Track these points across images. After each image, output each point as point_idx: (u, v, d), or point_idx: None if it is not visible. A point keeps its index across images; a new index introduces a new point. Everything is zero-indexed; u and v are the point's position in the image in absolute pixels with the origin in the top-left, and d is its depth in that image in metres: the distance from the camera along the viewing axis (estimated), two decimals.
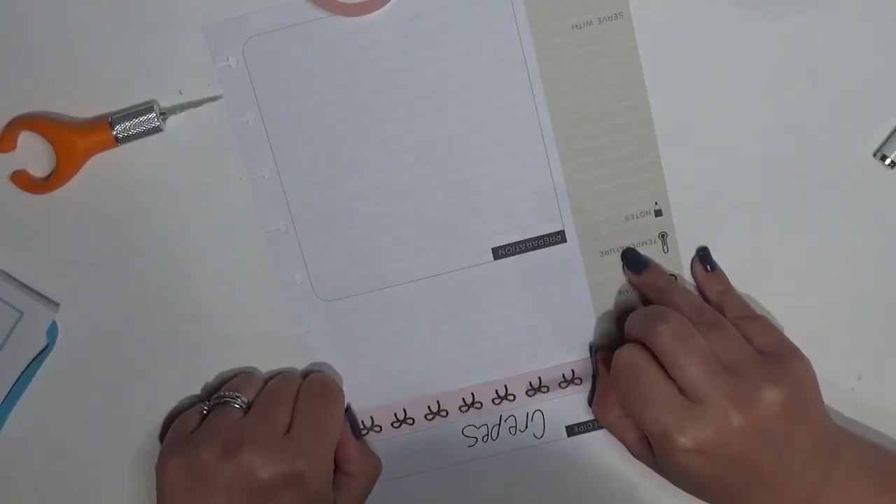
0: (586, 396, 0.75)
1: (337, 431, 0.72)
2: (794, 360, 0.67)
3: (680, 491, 0.72)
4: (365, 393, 0.75)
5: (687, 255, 0.73)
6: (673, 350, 0.65)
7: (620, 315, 0.74)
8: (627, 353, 0.67)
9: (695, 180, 0.72)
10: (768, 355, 0.67)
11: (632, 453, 0.72)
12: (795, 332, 0.70)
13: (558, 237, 0.73)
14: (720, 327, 0.68)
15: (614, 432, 0.72)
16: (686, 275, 0.73)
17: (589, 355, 0.74)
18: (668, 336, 0.66)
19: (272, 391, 0.72)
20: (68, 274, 0.74)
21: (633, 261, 0.73)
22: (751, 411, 0.64)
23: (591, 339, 0.74)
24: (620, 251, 0.73)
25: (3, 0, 0.71)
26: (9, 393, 0.73)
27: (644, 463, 0.71)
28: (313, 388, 0.72)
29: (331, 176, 0.72)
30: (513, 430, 0.76)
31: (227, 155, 0.72)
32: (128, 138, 0.70)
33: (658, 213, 0.73)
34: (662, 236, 0.73)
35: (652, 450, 0.69)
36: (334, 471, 0.72)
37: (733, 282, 0.73)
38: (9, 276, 0.73)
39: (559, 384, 0.75)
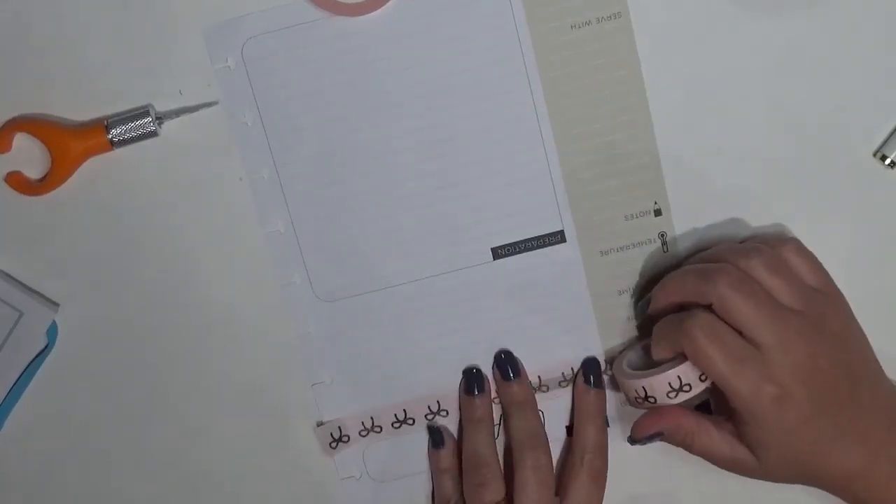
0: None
1: None
2: (839, 298, 0.69)
3: (680, 490, 0.73)
4: (365, 394, 0.75)
5: (686, 254, 0.73)
6: (734, 301, 0.65)
7: (619, 314, 0.74)
8: (703, 320, 0.66)
9: (694, 180, 0.72)
10: (820, 291, 0.68)
11: (724, 464, 0.70)
12: None
13: (558, 237, 0.73)
14: (776, 266, 0.67)
15: (711, 451, 0.70)
16: None
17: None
18: (728, 288, 0.65)
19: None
20: (68, 274, 0.74)
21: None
22: (819, 342, 0.65)
23: (592, 346, 0.74)
24: (620, 251, 0.73)
25: (0, 1, 0.71)
26: (9, 393, 0.73)
27: (740, 469, 0.70)
28: (530, 446, 0.72)
29: (330, 176, 0.72)
30: None
31: (226, 156, 0.72)
32: (124, 142, 0.70)
33: (657, 212, 0.73)
34: (662, 236, 0.73)
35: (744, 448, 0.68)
36: None
37: None
38: (9, 276, 0.73)
39: (559, 384, 0.75)
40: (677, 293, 0.68)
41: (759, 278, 0.66)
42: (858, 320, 0.69)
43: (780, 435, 0.66)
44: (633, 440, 0.71)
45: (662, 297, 0.69)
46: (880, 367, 0.69)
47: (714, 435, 0.69)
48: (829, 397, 0.66)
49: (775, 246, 0.68)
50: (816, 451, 0.66)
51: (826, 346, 0.66)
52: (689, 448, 0.70)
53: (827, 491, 0.69)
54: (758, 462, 0.68)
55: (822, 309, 0.67)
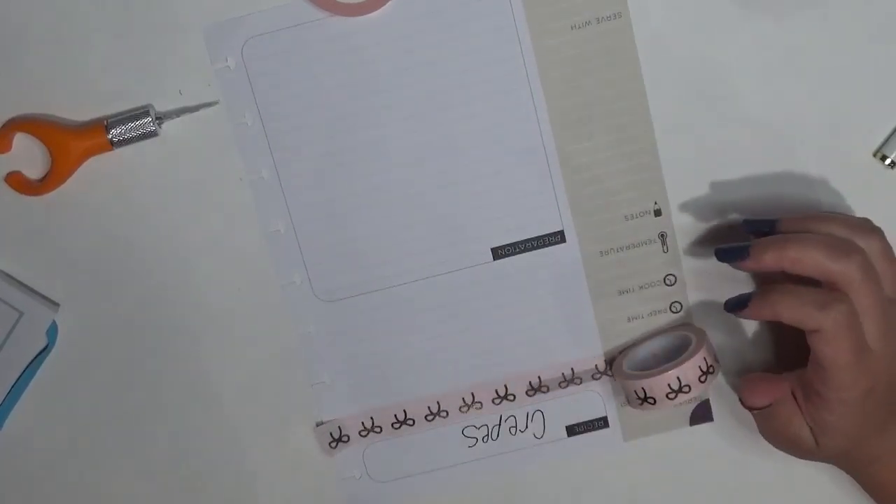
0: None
1: None
2: None
3: (681, 490, 0.72)
4: (365, 394, 0.75)
5: (686, 254, 0.73)
6: (861, 288, 0.64)
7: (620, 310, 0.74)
8: (849, 309, 0.64)
9: (694, 180, 0.72)
10: None
11: (782, 439, 0.69)
12: (794, 332, 0.70)
13: (558, 237, 0.73)
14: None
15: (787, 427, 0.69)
16: (686, 275, 0.73)
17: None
18: (859, 272, 0.64)
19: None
20: (68, 274, 0.74)
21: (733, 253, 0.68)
22: None
23: (592, 346, 0.74)
24: (620, 251, 0.73)
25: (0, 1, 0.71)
26: (9, 393, 0.73)
27: (794, 448, 0.69)
28: None
29: (330, 176, 0.72)
30: (513, 430, 0.76)
31: (225, 156, 0.72)
32: (123, 142, 0.70)
33: (657, 212, 0.73)
34: (662, 236, 0.73)
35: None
36: None
37: (732, 281, 0.73)
38: (9, 276, 0.73)
39: (559, 384, 0.75)
40: (796, 261, 0.65)
41: (876, 265, 0.65)
42: None
43: (853, 428, 0.66)
44: (749, 406, 0.69)
45: (774, 258, 0.65)
46: None
47: (794, 412, 0.68)
48: None
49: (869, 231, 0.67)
50: (874, 432, 0.67)
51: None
52: (767, 421, 0.69)
53: (856, 474, 0.69)
54: (816, 446, 0.67)
55: None
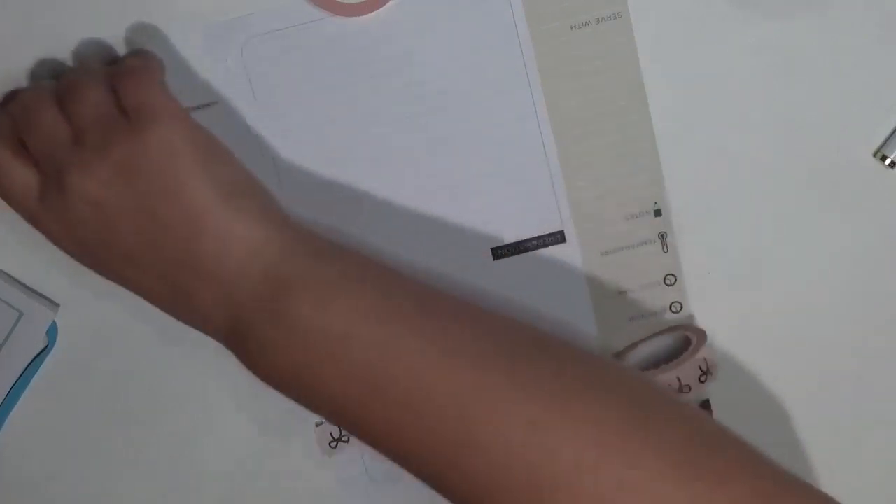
0: None
1: None
2: (146, 124, 0.63)
3: None
4: None
5: (686, 254, 0.73)
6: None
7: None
8: None
9: (694, 180, 0.72)
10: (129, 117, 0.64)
11: None
12: (795, 332, 0.71)
13: (558, 237, 0.73)
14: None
15: None
16: (686, 275, 0.73)
17: None
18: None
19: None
20: (68, 274, 0.73)
21: None
22: (83, 183, 0.63)
23: (591, 346, 0.74)
24: (620, 251, 0.73)
25: (1, 2, 0.71)
26: (9, 393, 0.73)
27: None
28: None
29: (330, 177, 0.72)
30: None
31: None
32: None
33: (657, 212, 0.73)
34: (662, 236, 0.73)
35: None
36: None
37: (733, 281, 0.73)
38: (9, 276, 0.73)
39: None
40: None
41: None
42: (858, 324, 0.69)
43: None
44: None
45: None
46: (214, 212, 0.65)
47: None
48: (110, 240, 0.65)
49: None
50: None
51: (84, 187, 0.63)
52: None
53: None
54: None
55: (97, 141, 0.64)
